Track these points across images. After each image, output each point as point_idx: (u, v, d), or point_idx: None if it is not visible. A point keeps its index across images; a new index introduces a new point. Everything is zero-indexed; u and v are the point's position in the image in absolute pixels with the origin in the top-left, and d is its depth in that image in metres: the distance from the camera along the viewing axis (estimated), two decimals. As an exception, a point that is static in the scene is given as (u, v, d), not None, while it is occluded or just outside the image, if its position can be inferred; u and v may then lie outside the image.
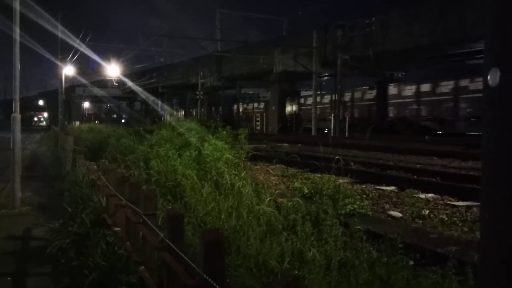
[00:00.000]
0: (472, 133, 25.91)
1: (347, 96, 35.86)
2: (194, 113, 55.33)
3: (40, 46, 27.40)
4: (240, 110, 51.22)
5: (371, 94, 33.65)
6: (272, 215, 4.63)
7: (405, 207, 7.05)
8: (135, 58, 48.09)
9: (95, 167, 7.78)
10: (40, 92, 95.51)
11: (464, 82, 26.95)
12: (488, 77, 0.98)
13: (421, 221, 6.30)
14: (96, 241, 4.79)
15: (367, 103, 34.55)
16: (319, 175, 8.45)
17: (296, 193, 6.89)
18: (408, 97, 30.68)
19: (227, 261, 3.27)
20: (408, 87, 31.04)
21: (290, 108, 42.29)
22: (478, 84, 25.38)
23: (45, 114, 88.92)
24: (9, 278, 4.76)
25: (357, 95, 35.62)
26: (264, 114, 45.98)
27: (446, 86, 28.05)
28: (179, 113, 58.13)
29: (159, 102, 60.53)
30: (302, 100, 42.88)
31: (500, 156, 0.97)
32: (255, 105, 50.67)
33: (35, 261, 5.21)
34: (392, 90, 32.15)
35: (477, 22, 24.22)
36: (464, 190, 8.06)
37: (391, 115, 31.45)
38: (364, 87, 35.74)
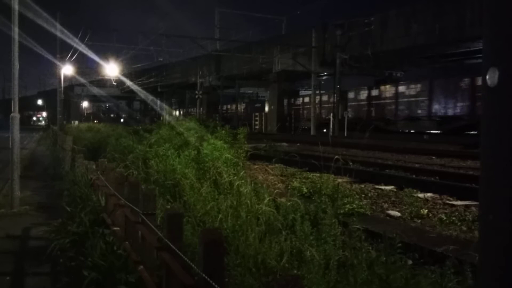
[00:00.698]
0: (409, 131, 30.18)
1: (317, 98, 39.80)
2: (192, 112, 55.38)
3: (39, 45, 27.37)
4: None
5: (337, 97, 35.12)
6: (271, 214, 4.63)
7: (404, 207, 7.06)
8: (134, 57, 48.04)
9: (94, 166, 7.77)
10: (39, 92, 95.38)
11: (402, 88, 31.56)
12: (487, 77, 0.98)
13: (419, 221, 6.31)
14: (95, 240, 4.78)
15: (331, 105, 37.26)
16: (318, 174, 8.46)
17: (295, 192, 6.88)
18: (362, 100, 35.14)
19: (226, 261, 3.27)
20: (362, 92, 35.40)
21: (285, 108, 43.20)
22: (411, 90, 30.19)
23: (44, 114, 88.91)
24: (8, 278, 4.76)
25: (325, 98, 39.55)
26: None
27: (390, 91, 32.53)
28: (178, 112, 58.14)
29: (158, 102, 60.50)
30: (292, 100, 43.68)
31: (499, 155, 0.97)
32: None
33: (34, 261, 5.21)
34: (350, 94, 36.33)
35: (476, 22, 24.25)
36: (462, 190, 8.07)
37: (350, 115, 34.92)
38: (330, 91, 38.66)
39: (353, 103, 35.71)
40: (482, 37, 1.02)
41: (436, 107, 28.58)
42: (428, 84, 29.19)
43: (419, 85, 29.81)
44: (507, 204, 0.95)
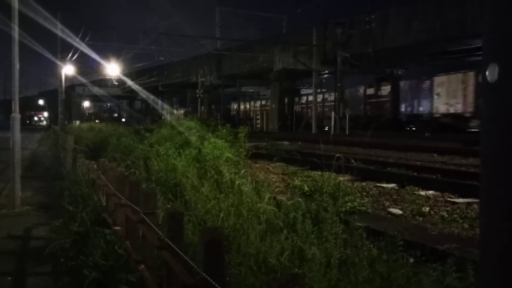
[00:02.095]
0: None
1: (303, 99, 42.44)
2: (189, 110, 55.38)
3: (40, 45, 27.38)
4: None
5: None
6: (272, 213, 4.63)
7: (406, 204, 7.04)
8: (135, 57, 48.15)
9: (95, 166, 7.77)
10: (40, 92, 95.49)
11: (370, 91, 34.38)
12: (487, 73, 0.97)
13: (421, 218, 6.29)
14: (96, 240, 4.79)
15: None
16: (319, 172, 8.44)
17: (296, 191, 6.88)
18: (329, 101, 38.74)
19: (227, 259, 3.26)
20: (326, 95, 40.26)
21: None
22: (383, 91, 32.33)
23: (45, 114, 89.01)
24: (9, 278, 4.77)
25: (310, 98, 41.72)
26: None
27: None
28: (179, 112, 58.15)
29: (159, 101, 60.51)
30: (296, 99, 44.43)
31: (499, 151, 0.97)
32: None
33: (35, 261, 5.21)
34: (319, 97, 40.26)
35: (477, 19, 24.19)
36: (464, 187, 8.05)
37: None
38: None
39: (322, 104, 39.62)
40: (482, 33, 1.01)
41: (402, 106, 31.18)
42: (391, 86, 31.79)
43: (388, 87, 32.10)
44: (508, 201, 0.94)
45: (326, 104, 39.41)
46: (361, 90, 33.36)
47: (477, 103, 24.49)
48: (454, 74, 27.88)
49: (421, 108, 29.58)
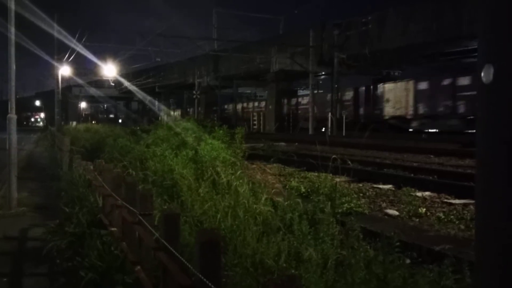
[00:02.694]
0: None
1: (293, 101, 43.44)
2: (190, 112, 55.34)
3: (37, 46, 27.30)
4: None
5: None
6: (269, 214, 4.63)
7: (402, 206, 7.05)
8: (131, 58, 47.98)
9: (92, 167, 7.75)
10: (37, 93, 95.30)
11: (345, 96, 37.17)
12: (482, 74, 0.98)
13: (418, 219, 6.31)
14: (92, 241, 4.78)
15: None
16: (316, 174, 8.45)
17: (293, 192, 6.88)
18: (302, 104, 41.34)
19: (224, 260, 3.26)
20: (300, 99, 43.14)
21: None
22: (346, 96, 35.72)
23: (42, 115, 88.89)
24: (5, 279, 4.75)
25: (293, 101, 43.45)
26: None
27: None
28: (175, 113, 58.10)
29: (156, 102, 60.45)
30: (297, 99, 44.32)
31: (495, 152, 0.97)
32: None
33: (31, 262, 5.20)
34: (301, 99, 42.52)
35: (473, 20, 24.28)
36: (461, 188, 8.07)
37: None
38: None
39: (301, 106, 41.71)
40: (477, 34, 1.01)
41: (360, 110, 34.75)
42: (353, 92, 35.81)
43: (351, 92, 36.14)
44: (503, 202, 0.94)
45: (300, 107, 41.89)
46: (329, 95, 35.94)
47: (415, 107, 29.62)
48: (399, 82, 31.92)
49: (376, 111, 33.30)
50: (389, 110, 32.12)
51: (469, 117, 25.67)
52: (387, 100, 32.22)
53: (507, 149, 0.93)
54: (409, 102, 30.29)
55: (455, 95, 26.72)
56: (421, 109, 29.36)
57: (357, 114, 34.95)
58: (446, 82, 27.90)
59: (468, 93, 25.86)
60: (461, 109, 26.46)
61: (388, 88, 32.45)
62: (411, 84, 30.33)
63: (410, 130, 29.83)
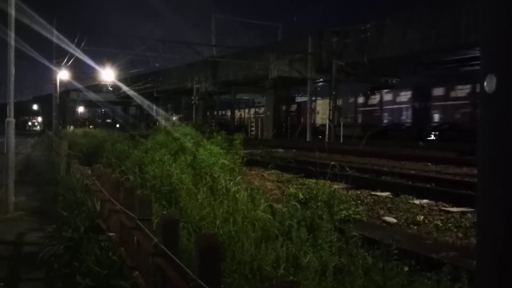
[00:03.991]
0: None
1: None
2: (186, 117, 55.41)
3: (35, 50, 27.32)
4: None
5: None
6: (267, 220, 4.62)
7: (400, 213, 7.06)
8: (130, 62, 47.94)
9: (90, 171, 7.74)
10: (35, 97, 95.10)
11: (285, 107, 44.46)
12: (485, 83, 0.98)
13: (416, 227, 6.31)
14: (90, 246, 4.76)
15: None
16: (314, 180, 8.46)
17: (291, 198, 6.88)
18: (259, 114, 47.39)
19: (222, 267, 3.25)
20: (257, 109, 49.98)
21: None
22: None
23: (39, 119, 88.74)
24: (1, 284, 4.72)
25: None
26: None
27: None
28: (174, 118, 58.12)
29: (154, 107, 60.43)
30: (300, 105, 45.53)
31: (496, 162, 0.97)
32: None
33: (28, 267, 5.17)
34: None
35: (471, 29, 24.40)
36: (458, 196, 8.09)
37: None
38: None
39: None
40: (480, 44, 1.02)
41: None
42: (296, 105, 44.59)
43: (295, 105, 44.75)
44: (504, 210, 0.95)
45: (258, 116, 47.38)
46: (284, 106, 43.84)
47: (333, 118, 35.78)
48: (325, 99, 39.90)
49: (311, 121, 39.59)
50: (318, 120, 40.66)
51: (367, 125, 32.79)
52: (318, 112, 40.71)
53: (508, 158, 0.94)
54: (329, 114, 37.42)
55: (356, 109, 36.04)
56: (336, 120, 36.02)
57: (299, 122, 42.59)
58: (351, 100, 37.50)
59: (364, 109, 35.47)
60: (360, 119, 35.08)
61: (319, 103, 41.19)
62: (329, 101, 37.83)
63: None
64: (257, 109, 51.58)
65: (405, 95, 32.00)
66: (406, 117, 31.39)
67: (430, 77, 37.89)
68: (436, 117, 29.13)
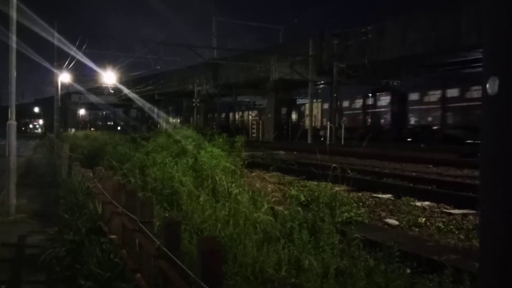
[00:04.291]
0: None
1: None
2: (190, 120, 55.41)
3: (36, 53, 27.35)
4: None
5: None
6: (269, 222, 4.62)
7: (402, 215, 7.05)
8: (131, 65, 47.91)
9: (91, 174, 7.74)
10: (36, 99, 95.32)
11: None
12: (487, 86, 0.99)
13: (417, 229, 6.30)
14: (91, 249, 4.76)
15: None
16: (316, 182, 8.45)
17: (293, 200, 6.88)
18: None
19: (224, 269, 3.25)
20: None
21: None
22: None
23: (41, 121, 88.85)
24: (3, 286, 4.72)
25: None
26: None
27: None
28: (175, 120, 58.18)
29: (155, 109, 60.48)
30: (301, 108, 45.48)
31: (498, 163, 0.98)
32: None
33: (30, 269, 5.17)
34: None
35: (471, 31, 24.39)
36: (460, 198, 8.07)
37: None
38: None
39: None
40: (482, 46, 1.02)
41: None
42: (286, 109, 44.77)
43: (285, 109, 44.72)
44: (507, 211, 0.95)
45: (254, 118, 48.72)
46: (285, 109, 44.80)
47: (322, 120, 39.18)
48: (315, 103, 41.04)
49: (301, 123, 42.15)
50: (307, 122, 40.85)
51: (351, 128, 33.44)
52: (307, 115, 40.95)
53: (510, 160, 0.95)
54: (318, 117, 40.35)
55: (342, 113, 36.53)
56: (325, 122, 37.86)
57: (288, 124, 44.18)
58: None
59: (348, 112, 36.53)
60: (345, 122, 34.84)
61: (307, 106, 41.58)
62: (319, 104, 40.77)
63: (321, 135, 37.86)
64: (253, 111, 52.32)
65: (385, 100, 33.51)
66: (386, 120, 33.12)
67: (432, 79, 37.91)
68: (412, 120, 30.64)
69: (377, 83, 37.91)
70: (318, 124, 40.12)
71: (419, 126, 29.51)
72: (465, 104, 26.14)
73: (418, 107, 29.89)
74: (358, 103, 36.22)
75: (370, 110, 34.34)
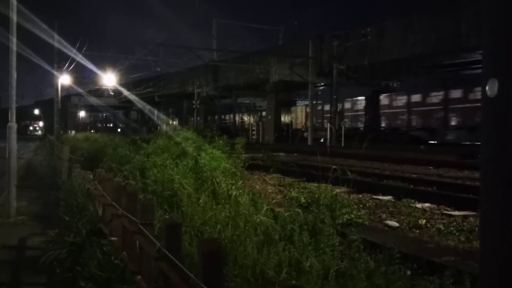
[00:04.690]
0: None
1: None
2: (188, 122, 55.43)
3: (36, 55, 27.35)
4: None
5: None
6: (269, 224, 4.62)
7: (402, 217, 7.05)
8: (131, 67, 47.97)
9: (91, 176, 7.74)
10: (36, 101, 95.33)
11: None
12: (487, 87, 0.99)
13: (418, 231, 6.30)
14: (92, 251, 4.76)
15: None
16: (316, 184, 8.46)
17: (293, 202, 6.88)
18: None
19: (224, 271, 3.25)
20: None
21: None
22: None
23: (41, 123, 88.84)
24: (4, 288, 4.73)
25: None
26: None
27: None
28: (175, 122, 58.19)
29: (156, 111, 60.48)
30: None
31: (499, 165, 0.98)
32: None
33: (30, 271, 5.17)
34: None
35: (471, 32, 24.41)
36: (460, 200, 8.07)
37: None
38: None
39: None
40: (481, 48, 1.03)
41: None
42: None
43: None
44: (507, 212, 0.95)
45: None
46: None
47: (306, 122, 41.04)
48: (300, 106, 46.12)
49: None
50: (294, 123, 44.76)
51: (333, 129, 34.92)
52: (294, 117, 44.98)
53: (510, 161, 0.95)
54: (302, 119, 43.67)
55: (323, 116, 39.84)
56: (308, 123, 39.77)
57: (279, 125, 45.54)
58: (319, 107, 41.92)
59: (328, 115, 37.26)
60: (326, 124, 36.37)
61: (293, 109, 46.16)
62: (303, 107, 44.04)
63: (305, 135, 39.94)
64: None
65: (360, 104, 37.04)
66: (361, 122, 36.08)
67: (432, 80, 37.92)
68: (383, 122, 33.59)
69: (377, 84, 37.93)
70: (300, 126, 43.39)
71: (389, 128, 32.55)
72: (426, 108, 29.27)
73: (388, 111, 33.12)
74: (338, 106, 37.69)
75: (348, 114, 37.11)
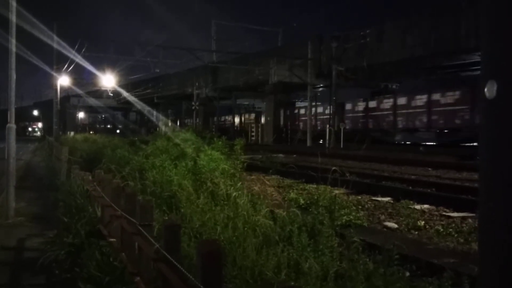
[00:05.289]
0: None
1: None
2: (188, 123, 55.39)
3: (35, 56, 27.34)
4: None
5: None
6: (268, 226, 4.62)
7: (401, 218, 7.06)
8: (130, 68, 47.94)
9: (90, 177, 7.73)
10: (35, 102, 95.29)
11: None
12: (485, 90, 0.99)
13: (417, 232, 6.31)
14: (91, 252, 4.76)
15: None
16: (315, 185, 8.46)
17: (292, 204, 6.88)
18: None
19: (223, 272, 3.25)
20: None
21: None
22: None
23: (40, 124, 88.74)
24: (2, 290, 4.72)
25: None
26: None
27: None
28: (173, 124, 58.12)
29: (155, 113, 60.45)
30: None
31: (497, 167, 0.98)
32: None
33: (29, 272, 5.17)
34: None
35: (471, 34, 24.44)
36: (459, 201, 8.08)
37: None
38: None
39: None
40: (480, 50, 1.03)
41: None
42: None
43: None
44: (506, 214, 0.95)
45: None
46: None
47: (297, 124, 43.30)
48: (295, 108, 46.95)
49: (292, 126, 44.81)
50: (288, 125, 44.94)
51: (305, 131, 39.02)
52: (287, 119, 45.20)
53: (509, 163, 0.95)
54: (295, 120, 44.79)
55: (316, 118, 40.39)
56: (301, 126, 42.08)
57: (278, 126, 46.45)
58: (295, 111, 44.33)
59: (304, 118, 40.48)
60: (301, 126, 40.72)
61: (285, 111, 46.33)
62: (302, 110, 44.06)
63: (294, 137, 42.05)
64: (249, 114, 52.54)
65: (328, 109, 38.46)
66: (347, 124, 37.37)
67: (431, 81, 37.95)
68: (348, 125, 36.05)
69: (376, 86, 37.97)
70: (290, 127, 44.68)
71: (354, 130, 35.99)
72: (379, 113, 33.59)
73: (351, 115, 37.00)
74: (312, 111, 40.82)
75: (320, 117, 40.18)
